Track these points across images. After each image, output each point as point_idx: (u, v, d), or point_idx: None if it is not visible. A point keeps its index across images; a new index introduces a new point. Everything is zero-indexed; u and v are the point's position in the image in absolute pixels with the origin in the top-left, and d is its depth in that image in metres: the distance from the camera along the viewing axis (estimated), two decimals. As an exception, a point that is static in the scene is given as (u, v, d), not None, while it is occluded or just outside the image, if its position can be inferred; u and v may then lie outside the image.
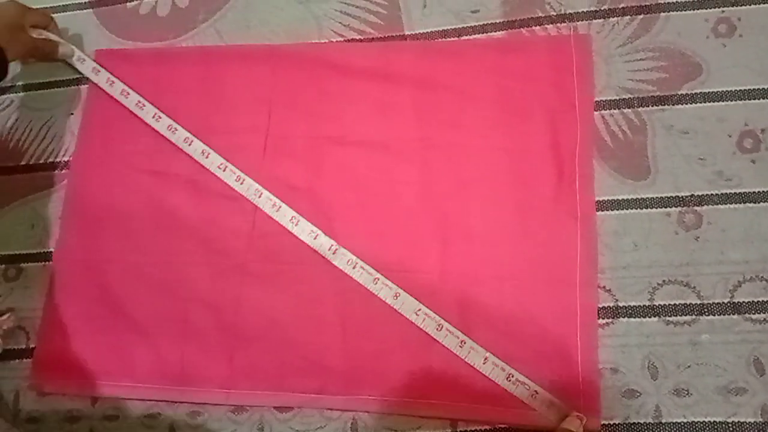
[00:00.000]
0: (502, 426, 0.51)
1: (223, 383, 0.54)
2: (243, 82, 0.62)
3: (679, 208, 0.54)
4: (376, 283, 0.54)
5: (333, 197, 0.58)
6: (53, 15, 0.66)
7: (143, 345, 0.56)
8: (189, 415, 0.54)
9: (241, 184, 0.58)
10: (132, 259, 0.58)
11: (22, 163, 0.64)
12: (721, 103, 0.56)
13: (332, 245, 0.56)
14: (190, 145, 0.60)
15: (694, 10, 0.58)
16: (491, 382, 0.51)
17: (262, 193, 0.58)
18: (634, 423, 0.49)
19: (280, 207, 0.57)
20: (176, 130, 0.61)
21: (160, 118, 0.61)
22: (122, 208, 0.60)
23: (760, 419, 0.48)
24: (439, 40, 0.61)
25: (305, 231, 0.56)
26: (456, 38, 0.61)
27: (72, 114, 0.64)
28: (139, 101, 0.62)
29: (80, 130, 0.63)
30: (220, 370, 0.55)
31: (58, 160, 0.63)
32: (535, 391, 0.50)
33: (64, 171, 0.63)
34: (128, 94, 0.62)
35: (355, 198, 0.58)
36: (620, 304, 0.52)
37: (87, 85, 0.64)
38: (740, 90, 0.56)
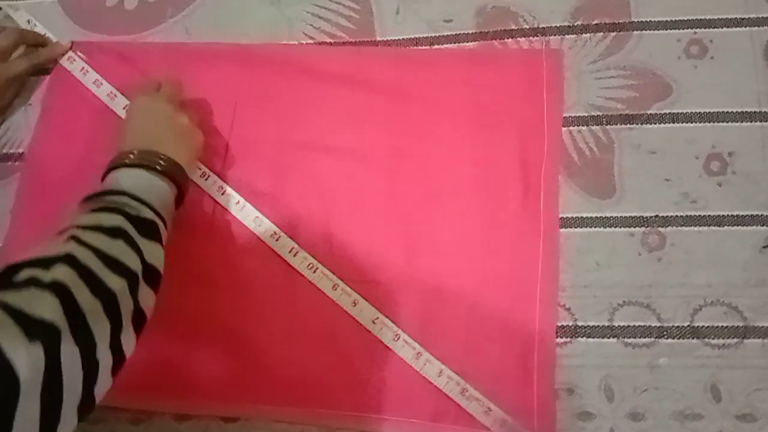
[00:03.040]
0: (453, 444, 0.49)
1: (169, 390, 0.52)
2: (209, 81, 0.60)
3: (644, 229, 0.53)
4: (335, 290, 0.53)
5: (296, 203, 0.56)
6: (18, 2, 0.65)
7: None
8: (131, 422, 0.52)
9: (206, 180, 0.57)
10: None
11: (-26, 153, 0.62)
12: (690, 124, 0.55)
13: (293, 248, 0.54)
14: (156, 138, 0.59)
15: (666, 30, 0.58)
16: (445, 398, 0.50)
17: (225, 191, 0.56)
18: (588, 446, 0.48)
19: (244, 206, 0.56)
20: (144, 121, 0.59)
21: (130, 110, 0.60)
22: (77, 204, 0.58)
23: (715, 447, 0.48)
24: (412, 48, 0.60)
25: (268, 232, 0.55)
26: (428, 47, 0.60)
27: (29, 105, 0.62)
28: (111, 92, 0.60)
29: (38, 122, 0.61)
30: (167, 377, 0.53)
31: (12, 151, 0.61)
32: (489, 407, 0.49)
33: (18, 163, 0.61)
34: (101, 84, 0.61)
35: (319, 205, 0.56)
36: (579, 324, 0.51)
37: (47, 77, 0.63)
38: (709, 112, 0.55)
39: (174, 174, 0.49)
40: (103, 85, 0.61)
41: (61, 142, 0.60)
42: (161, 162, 0.48)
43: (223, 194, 0.56)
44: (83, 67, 0.62)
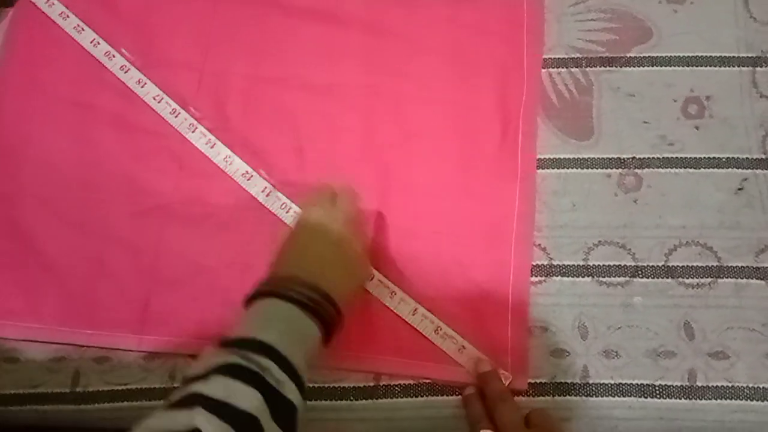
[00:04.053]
0: (427, 381, 0.48)
1: (136, 328, 0.51)
2: (181, 15, 0.58)
3: (620, 170, 0.53)
4: (309, 229, 0.52)
5: (268, 141, 0.55)
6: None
7: (53, 284, 0.52)
8: (96, 361, 0.50)
9: (176, 117, 0.55)
10: (47, 193, 0.54)
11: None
12: (668, 68, 0.55)
13: (266, 187, 0.53)
14: (126, 73, 0.57)
15: (647, -27, 0.57)
16: (419, 336, 0.49)
17: (196, 128, 0.55)
18: (562, 383, 0.48)
19: (214, 144, 0.54)
20: (114, 56, 0.57)
21: (98, 43, 0.58)
22: (41, 139, 0.56)
23: (687, 383, 0.48)
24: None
25: (239, 171, 0.54)
26: (408, -16, 0.59)
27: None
28: (78, 24, 0.58)
29: (0, 53, 0.59)
30: (134, 314, 0.51)
31: (-28, 85, 0.59)
32: (463, 345, 0.48)
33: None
34: (67, 16, 0.59)
35: (293, 143, 0.55)
36: (554, 263, 0.51)
37: (11, 7, 0.60)
38: (688, 56, 0.55)
39: (329, 318, 0.42)
40: (70, 18, 0.58)
41: (25, 75, 0.58)
42: (320, 302, 0.41)
43: (194, 132, 0.55)
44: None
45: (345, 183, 0.49)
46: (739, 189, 0.52)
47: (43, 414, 0.49)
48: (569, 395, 0.48)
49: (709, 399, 0.47)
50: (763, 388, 0.47)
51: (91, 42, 0.57)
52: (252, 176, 0.54)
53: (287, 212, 0.53)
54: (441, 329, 0.49)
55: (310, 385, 0.48)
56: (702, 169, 0.52)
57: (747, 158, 0.52)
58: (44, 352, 0.51)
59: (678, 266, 0.50)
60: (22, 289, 0.52)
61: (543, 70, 0.55)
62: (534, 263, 0.51)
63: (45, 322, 0.51)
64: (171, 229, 0.53)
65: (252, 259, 0.52)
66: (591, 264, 0.50)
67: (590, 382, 0.48)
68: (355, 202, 0.49)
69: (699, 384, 0.48)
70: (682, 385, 0.48)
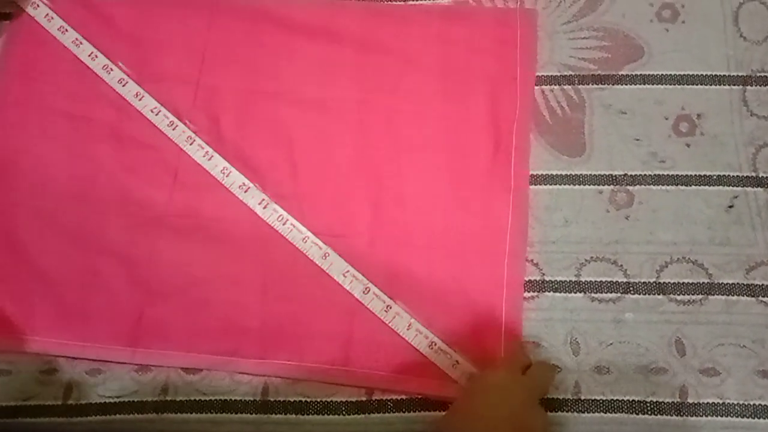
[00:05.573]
0: (419, 396, 0.48)
1: (129, 340, 0.51)
2: (177, 29, 0.59)
3: (612, 187, 0.53)
4: (306, 242, 0.52)
5: (263, 155, 0.55)
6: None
7: (46, 296, 0.52)
8: (88, 373, 0.50)
9: (174, 129, 0.55)
10: (43, 205, 0.54)
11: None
12: (660, 86, 0.56)
13: (263, 199, 0.53)
14: (124, 86, 0.57)
15: (639, -7, 0.58)
16: (412, 351, 0.49)
17: (194, 141, 0.55)
18: (553, 398, 0.48)
19: (212, 156, 0.55)
20: (112, 69, 0.58)
21: (96, 57, 0.58)
22: (37, 151, 0.56)
23: (678, 399, 0.48)
24: (385, 2, 0.60)
25: (236, 183, 0.54)
26: (402, 2, 0.60)
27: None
28: (77, 38, 0.59)
29: (-1, 69, 0.59)
30: (127, 327, 0.51)
31: (-30, 97, 0.59)
32: (457, 361, 0.48)
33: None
34: (66, 30, 0.59)
35: (287, 157, 0.55)
36: (547, 279, 0.51)
37: (8, 21, 0.60)
38: (679, 75, 0.56)
39: None
40: (68, 32, 0.59)
41: (21, 88, 0.58)
42: None
43: (191, 144, 0.55)
44: (47, 14, 0.59)
45: (544, 358, 0.48)
46: (730, 207, 0.52)
47: (35, 427, 0.49)
48: (561, 411, 0.48)
49: (700, 416, 0.47)
50: (753, 404, 0.47)
51: (89, 55, 0.58)
52: (249, 188, 0.54)
53: (284, 224, 0.53)
54: (435, 344, 0.49)
55: (301, 399, 0.49)
56: (693, 186, 0.53)
57: (737, 176, 0.53)
58: (36, 364, 0.51)
59: (669, 282, 0.50)
60: (14, 300, 0.52)
61: (536, 88, 0.56)
62: (526, 279, 0.51)
63: (38, 334, 0.51)
64: (164, 241, 0.53)
65: (245, 272, 0.52)
66: (583, 280, 0.51)
67: (582, 398, 0.48)
68: (551, 378, 0.47)
69: (690, 401, 0.48)
70: (673, 402, 0.48)
